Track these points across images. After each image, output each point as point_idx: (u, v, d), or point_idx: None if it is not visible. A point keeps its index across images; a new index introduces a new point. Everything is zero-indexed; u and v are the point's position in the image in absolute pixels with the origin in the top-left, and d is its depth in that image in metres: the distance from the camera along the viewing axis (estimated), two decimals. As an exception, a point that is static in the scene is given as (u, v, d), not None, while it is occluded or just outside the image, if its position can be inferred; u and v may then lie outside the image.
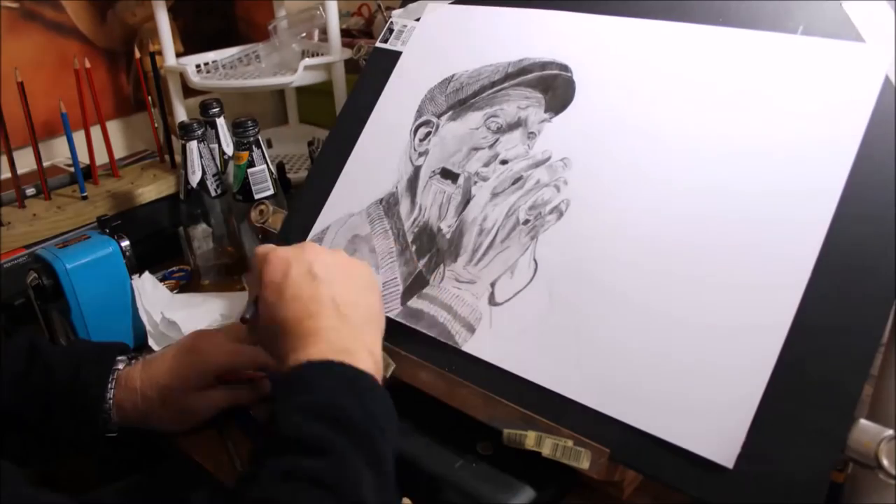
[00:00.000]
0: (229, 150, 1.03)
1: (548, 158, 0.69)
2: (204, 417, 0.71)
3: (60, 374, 0.67)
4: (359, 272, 0.63)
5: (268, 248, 0.62)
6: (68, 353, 0.69)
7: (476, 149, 0.73)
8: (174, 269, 1.01)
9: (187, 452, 0.70)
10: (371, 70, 0.85)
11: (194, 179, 0.95)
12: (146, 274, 0.87)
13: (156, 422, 0.70)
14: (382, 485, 0.49)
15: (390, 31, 0.86)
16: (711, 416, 0.54)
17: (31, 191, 1.02)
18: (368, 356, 0.56)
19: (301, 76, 1.11)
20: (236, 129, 0.91)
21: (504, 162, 0.71)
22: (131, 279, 0.86)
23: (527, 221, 0.67)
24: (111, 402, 0.68)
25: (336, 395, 0.52)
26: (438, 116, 0.77)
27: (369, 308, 0.61)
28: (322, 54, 1.18)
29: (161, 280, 0.98)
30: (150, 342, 0.85)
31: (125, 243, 0.85)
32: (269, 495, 0.46)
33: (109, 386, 0.68)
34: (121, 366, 0.70)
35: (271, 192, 0.93)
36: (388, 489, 0.50)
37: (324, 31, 1.19)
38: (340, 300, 0.59)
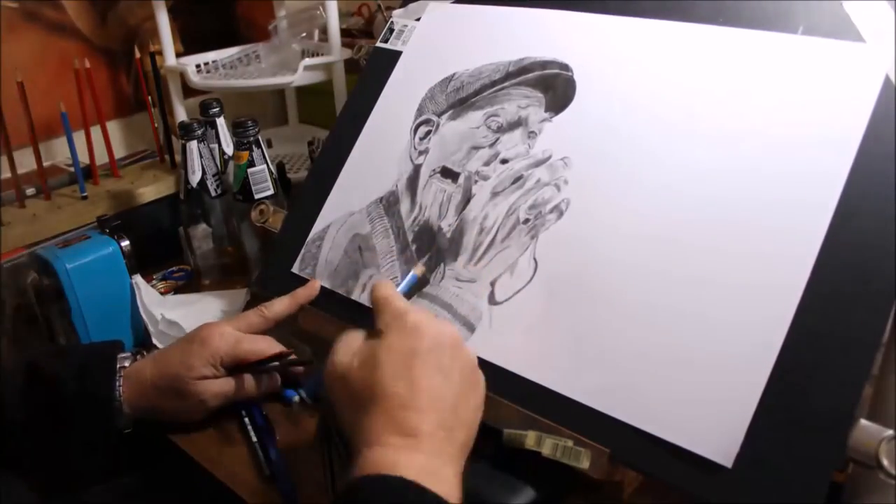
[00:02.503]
0: (229, 150, 1.03)
1: (548, 158, 0.69)
2: (213, 407, 0.71)
3: (66, 383, 0.67)
4: (480, 387, 0.55)
5: (404, 304, 0.55)
6: (68, 360, 0.69)
7: (476, 148, 0.73)
8: (174, 269, 1.01)
9: (186, 451, 0.70)
10: (371, 70, 0.85)
11: (194, 179, 0.95)
12: (137, 276, 0.87)
13: (169, 412, 0.70)
14: None
15: (391, 30, 0.86)
16: (711, 416, 0.54)
17: (31, 191, 1.02)
18: (455, 482, 0.49)
19: (301, 76, 1.11)
20: (236, 129, 0.91)
21: (504, 161, 0.71)
22: (131, 279, 0.85)
23: (527, 220, 0.67)
24: (121, 399, 0.68)
25: None
26: (439, 115, 0.77)
27: (473, 430, 0.53)
28: (322, 54, 1.18)
29: (161, 280, 0.99)
30: (154, 341, 0.85)
31: (125, 243, 0.85)
32: None
33: (117, 384, 0.68)
34: (126, 363, 0.70)
35: (271, 192, 0.93)
36: None
37: (324, 31, 1.19)
38: (457, 413, 0.51)
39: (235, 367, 0.71)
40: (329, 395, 0.55)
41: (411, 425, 0.49)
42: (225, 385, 0.71)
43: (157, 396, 0.69)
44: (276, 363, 0.73)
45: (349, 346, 0.55)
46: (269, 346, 0.72)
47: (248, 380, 0.72)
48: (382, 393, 0.50)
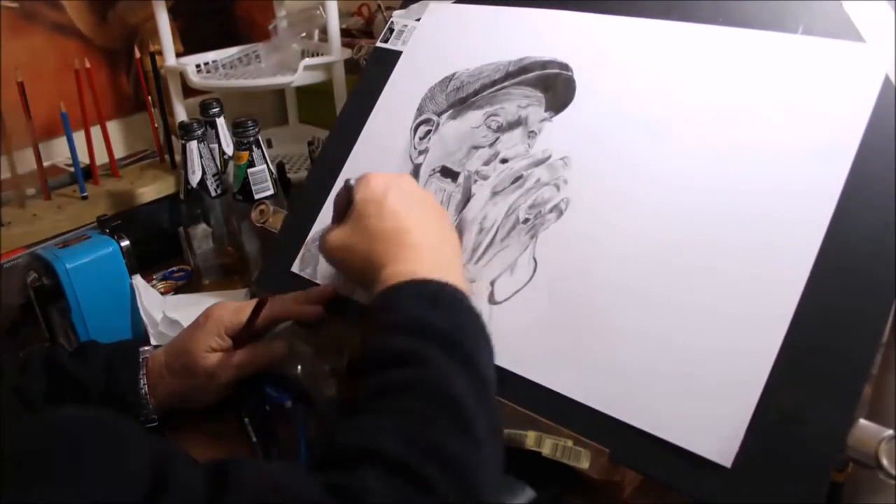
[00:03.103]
0: (229, 150, 1.03)
1: (548, 157, 0.69)
2: (226, 381, 0.70)
3: (92, 382, 0.67)
4: (446, 215, 0.68)
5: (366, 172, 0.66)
6: (92, 359, 0.69)
7: (476, 147, 0.73)
8: (174, 269, 1.01)
9: (186, 452, 0.70)
10: (371, 69, 0.85)
11: (194, 179, 0.95)
12: (137, 277, 0.87)
13: (185, 395, 0.71)
14: (479, 386, 0.50)
15: (391, 30, 0.86)
16: (710, 416, 0.54)
17: (31, 191, 1.02)
18: (460, 277, 0.59)
19: (301, 76, 1.11)
20: (236, 129, 0.91)
21: (504, 161, 0.71)
22: (131, 279, 0.85)
23: (526, 220, 0.67)
24: (147, 396, 0.69)
25: (421, 308, 0.53)
26: (439, 115, 0.77)
27: (456, 245, 0.65)
28: (322, 54, 1.18)
29: (161, 280, 0.99)
30: (153, 342, 0.85)
31: (125, 243, 0.85)
32: (369, 415, 0.47)
33: (142, 382, 0.69)
34: (147, 355, 0.71)
35: (271, 192, 0.93)
36: (485, 392, 0.51)
37: (324, 31, 1.19)
38: (436, 228, 0.63)
39: (244, 339, 0.72)
40: (335, 266, 0.68)
41: (409, 241, 0.60)
42: (233, 355, 0.71)
43: (172, 379, 0.70)
44: (282, 324, 0.73)
45: (332, 228, 0.67)
46: (271, 312, 0.72)
47: (257, 347, 0.72)
48: (377, 234, 0.61)
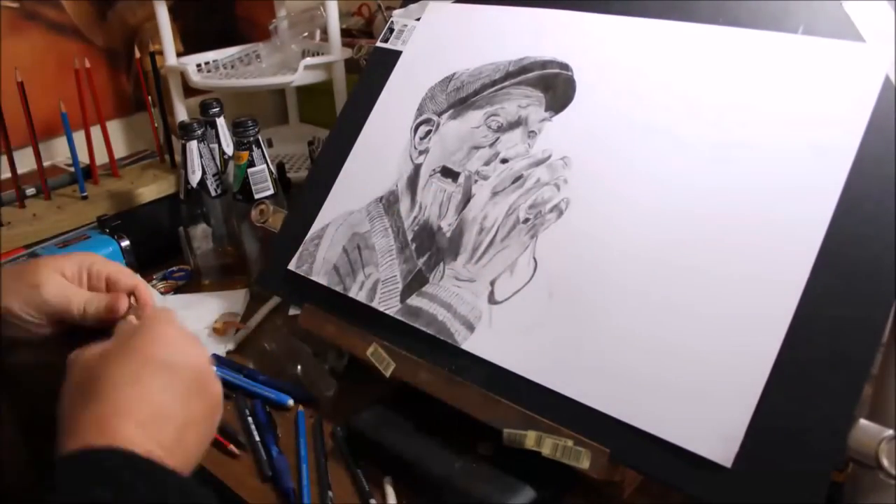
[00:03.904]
0: (229, 149, 1.03)
1: (548, 157, 0.69)
2: None
3: None
4: (214, 419, 0.51)
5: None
6: None
7: (476, 147, 0.73)
8: (174, 269, 1.01)
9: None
10: (371, 69, 0.85)
11: (194, 179, 0.95)
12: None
13: None
14: None
15: (391, 30, 0.86)
16: (710, 415, 0.54)
17: (31, 191, 1.02)
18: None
19: (301, 76, 1.11)
20: (236, 128, 0.91)
21: (504, 161, 0.71)
22: (131, 279, 0.85)
23: (527, 220, 0.67)
24: None
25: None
26: (439, 115, 0.77)
27: (192, 459, 0.48)
28: (322, 54, 1.18)
29: (161, 280, 0.99)
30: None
31: (125, 243, 0.85)
32: None
33: None
34: None
35: (271, 191, 0.93)
36: None
37: (324, 31, 1.19)
38: (181, 438, 0.47)
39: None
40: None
41: (124, 436, 0.43)
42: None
43: None
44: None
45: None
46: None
47: None
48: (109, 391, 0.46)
